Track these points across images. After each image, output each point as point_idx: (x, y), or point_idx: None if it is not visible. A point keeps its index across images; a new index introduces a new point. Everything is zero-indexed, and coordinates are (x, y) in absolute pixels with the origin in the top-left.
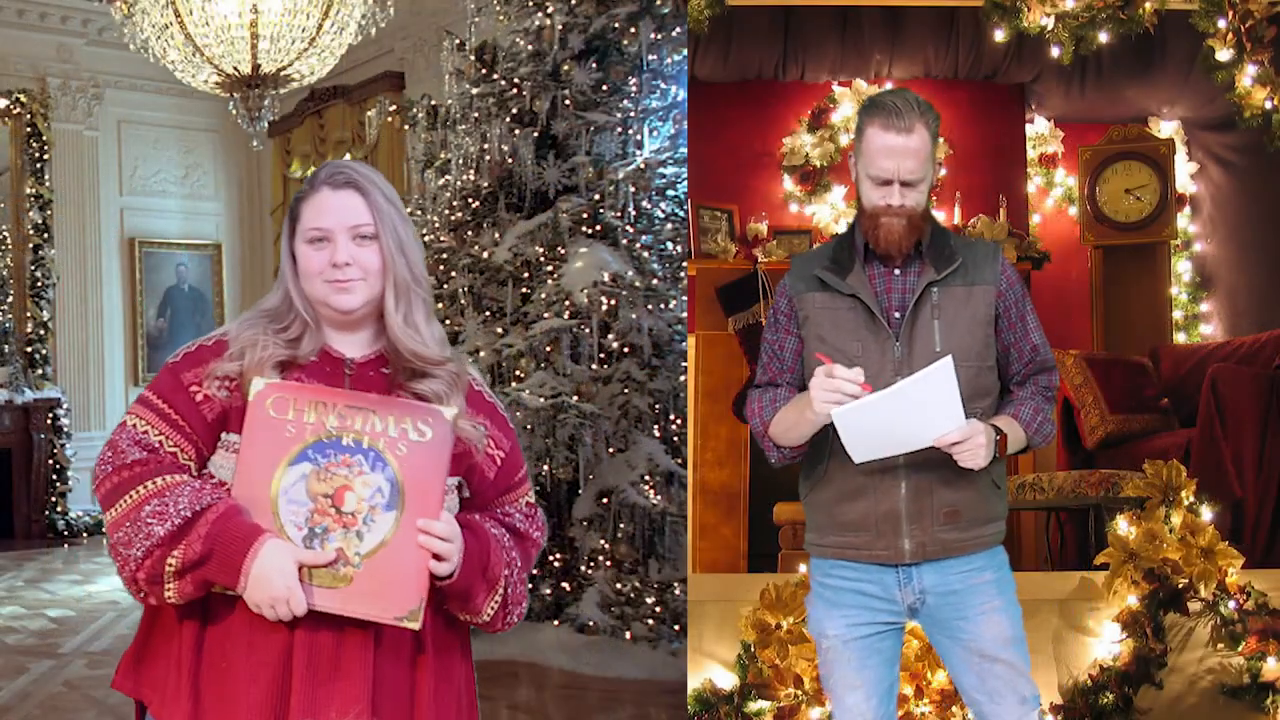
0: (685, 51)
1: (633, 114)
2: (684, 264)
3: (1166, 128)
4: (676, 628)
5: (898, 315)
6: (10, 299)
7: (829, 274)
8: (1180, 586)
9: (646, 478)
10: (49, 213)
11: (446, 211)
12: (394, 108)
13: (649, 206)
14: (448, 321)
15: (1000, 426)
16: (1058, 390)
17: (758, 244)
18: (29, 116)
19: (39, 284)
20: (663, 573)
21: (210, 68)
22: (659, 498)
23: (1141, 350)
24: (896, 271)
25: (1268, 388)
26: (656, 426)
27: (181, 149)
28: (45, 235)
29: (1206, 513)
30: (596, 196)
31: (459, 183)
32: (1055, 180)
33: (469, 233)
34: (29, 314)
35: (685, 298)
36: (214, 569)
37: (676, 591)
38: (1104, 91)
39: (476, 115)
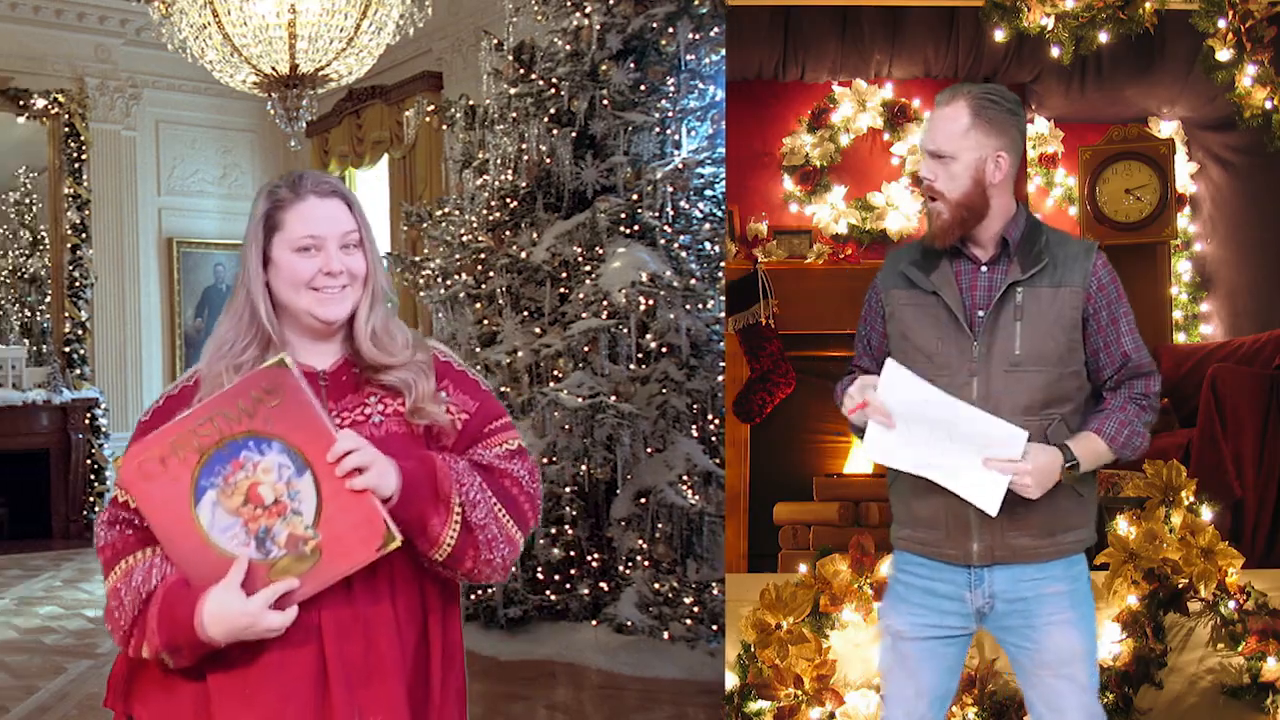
0: (723, 51)
1: (671, 114)
2: (721, 264)
3: (1166, 128)
4: (714, 628)
5: (980, 314)
6: (48, 299)
7: (914, 270)
8: (1180, 586)
9: (684, 478)
10: (87, 213)
11: (484, 211)
12: (432, 108)
13: (687, 207)
14: (485, 321)
15: (1073, 449)
16: (1159, 397)
17: (758, 244)
18: (67, 116)
19: (77, 284)
20: (700, 573)
21: (248, 68)
22: (697, 498)
23: None
24: (983, 269)
25: (1268, 388)
26: (694, 426)
27: (219, 149)
28: (83, 235)
29: (1206, 513)
30: (634, 196)
31: (497, 183)
32: (1055, 180)
33: (507, 233)
34: (67, 314)
35: (723, 298)
36: (186, 647)
37: (714, 591)
38: (1104, 91)
39: (514, 115)
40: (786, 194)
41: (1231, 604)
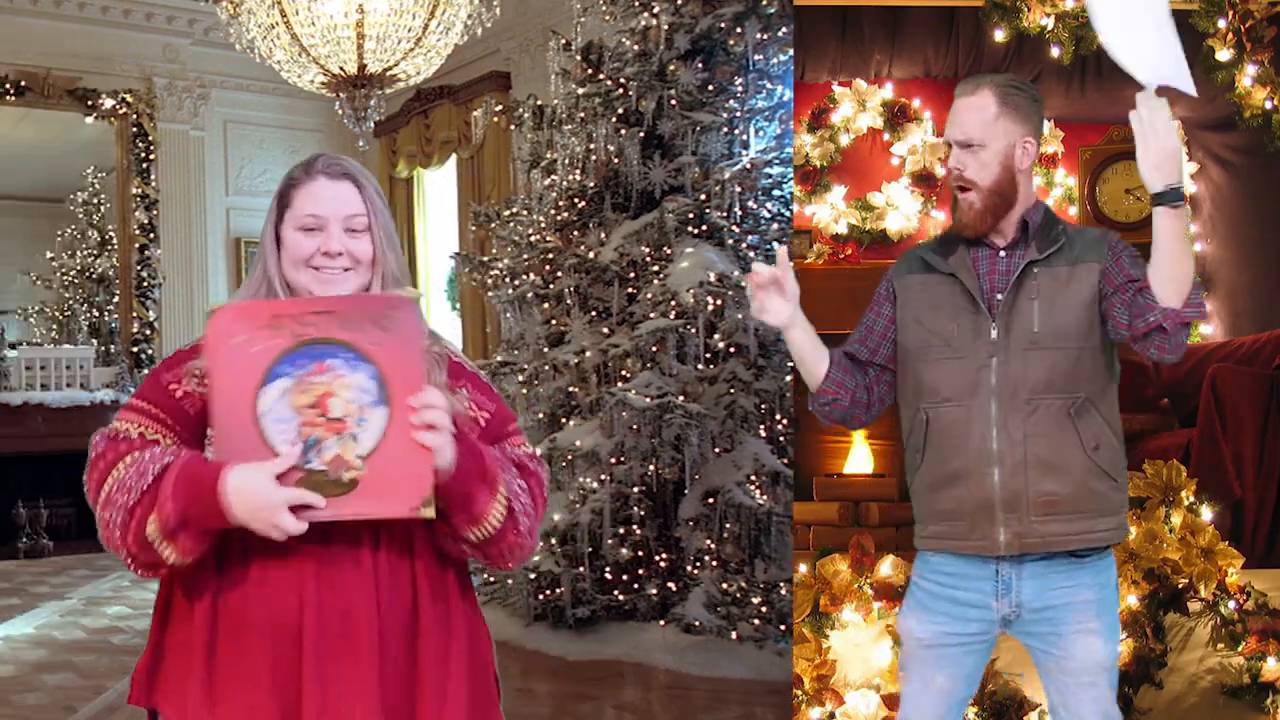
0: (791, 51)
1: (738, 114)
2: (790, 264)
3: None
4: (782, 627)
5: (999, 297)
6: (116, 299)
7: (932, 254)
8: (1180, 586)
9: (752, 477)
10: (155, 213)
11: (552, 211)
12: (500, 108)
13: (754, 206)
14: (553, 321)
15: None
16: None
17: None
18: (135, 117)
19: (145, 284)
20: (768, 573)
21: (316, 68)
22: (765, 497)
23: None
24: (1002, 253)
25: (1268, 388)
26: (762, 426)
27: (287, 149)
28: (151, 235)
29: (1206, 513)
30: (702, 196)
31: (565, 183)
32: (1055, 180)
33: (575, 233)
34: (135, 314)
35: None
36: (198, 517)
37: (782, 591)
38: (1104, 91)
39: (583, 115)
40: None
41: (1231, 604)
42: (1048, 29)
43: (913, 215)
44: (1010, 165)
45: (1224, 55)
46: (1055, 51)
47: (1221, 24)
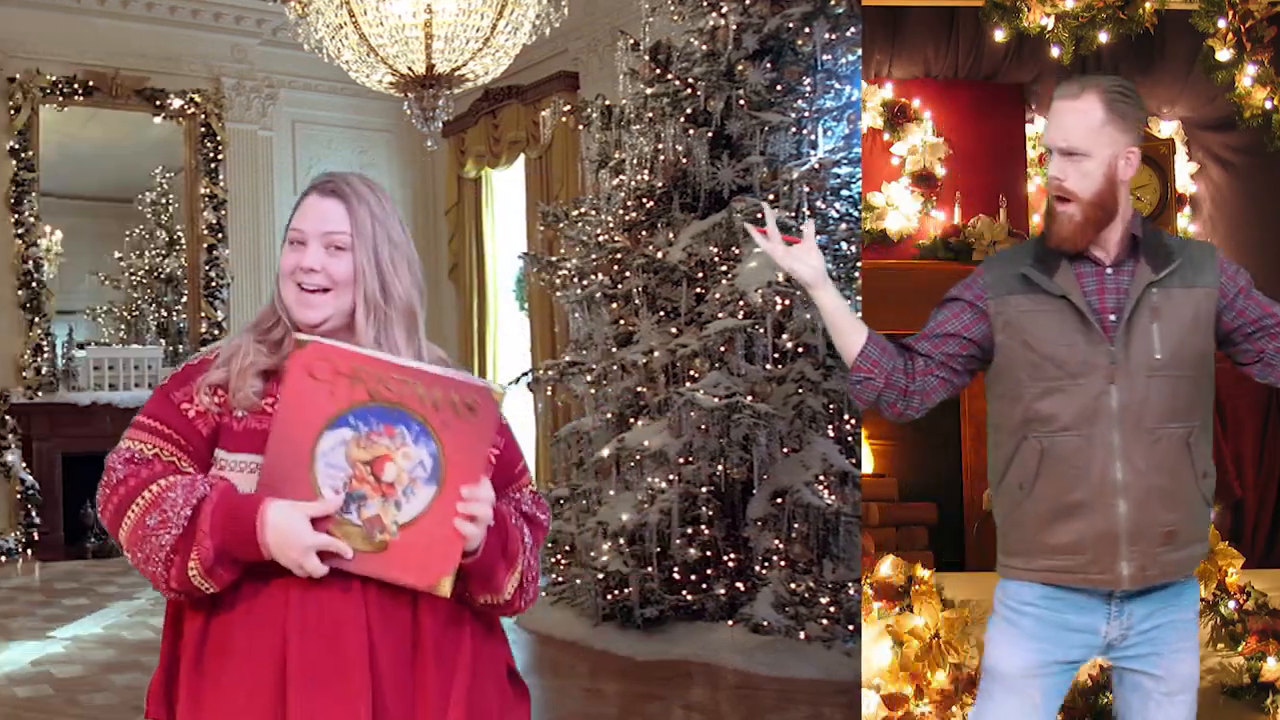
0: (859, 51)
1: (807, 114)
2: (858, 264)
3: (1166, 128)
4: (850, 628)
5: (1112, 318)
6: (184, 299)
7: (1035, 272)
8: None
9: (821, 478)
10: (223, 213)
11: (621, 211)
12: (568, 108)
13: (823, 206)
14: (621, 321)
15: None
16: None
17: None
18: (203, 117)
19: (213, 284)
20: (837, 573)
21: (384, 68)
22: (833, 498)
23: None
24: (1109, 270)
25: (1268, 388)
26: (831, 426)
27: (356, 149)
28: (219, 235)
29: None
30: (771, 196)
31: (633, 183)
32: None
33: (643, 233)
34: (203, 314)
35: (859, 297)
36: (235, 550)
37: (850, 591)
38: None
39: (651, 115)
40: None
41: (1231, 604)
42: (1048, 29)
43: (913, 215)
44: (1113, 176)
45: (1224, 55)
46: (1055, 51)
47: (1221, 24)
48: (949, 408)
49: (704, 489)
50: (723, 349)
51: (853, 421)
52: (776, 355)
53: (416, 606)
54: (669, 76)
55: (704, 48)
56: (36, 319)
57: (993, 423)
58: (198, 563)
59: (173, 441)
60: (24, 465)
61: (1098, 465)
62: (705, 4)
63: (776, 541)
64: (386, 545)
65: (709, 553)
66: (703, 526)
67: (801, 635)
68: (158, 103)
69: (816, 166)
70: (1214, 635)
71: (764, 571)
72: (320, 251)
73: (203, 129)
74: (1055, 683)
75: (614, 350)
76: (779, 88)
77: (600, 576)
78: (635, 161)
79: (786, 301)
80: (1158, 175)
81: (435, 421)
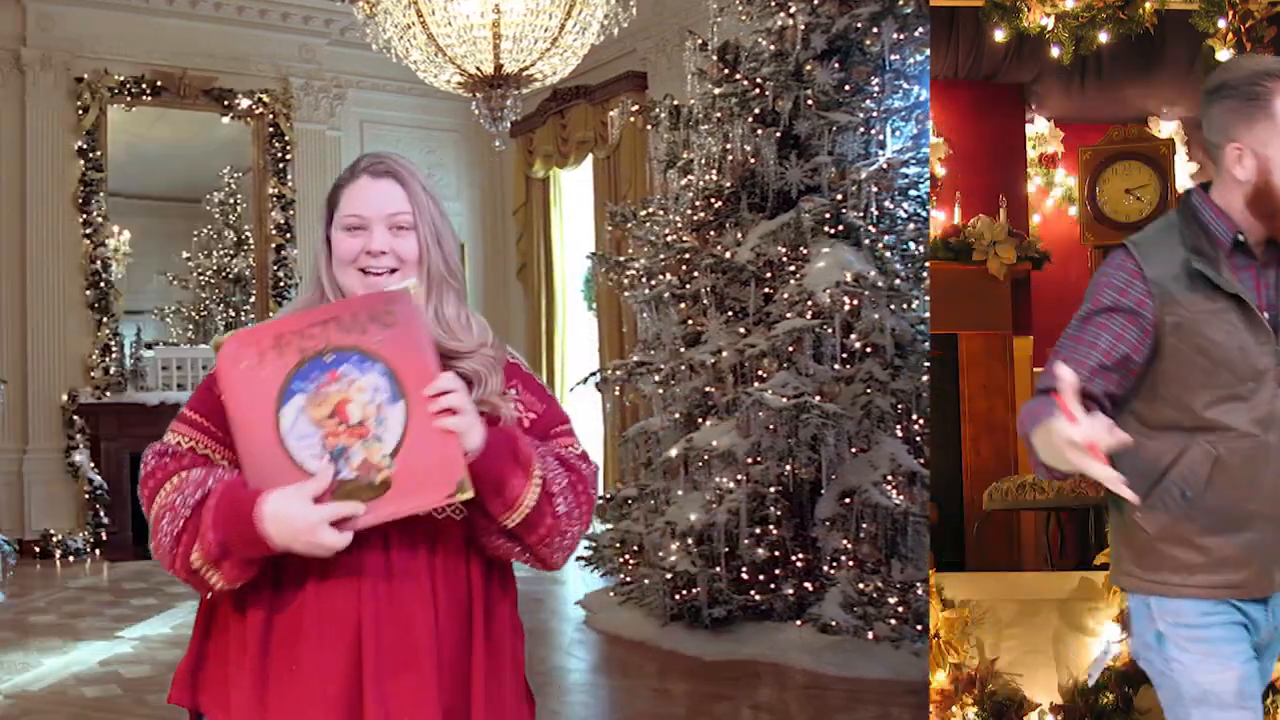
0: (927, 51)
1: (875, 114)
2: (926, 264)
3: (1166, 128)
4: (919, 627)
5: (1267, 315)
6: (253, 299)
7: (1204, 266)
8: None
9: (889, 477)
10: (291, 213)
11: (689, 211)
12: (636, 108)
13: (891, 206)
14: (690, 321)
15: None
16: None
17: None
18: (271, 117)
19: (281, 283)
20: (905, 572)
21: (452, 68)
22: (901, 497)
23: None
24: (1260, 266)
25: None
26: (899, 426)
27: (424, 149)
28: (287, 235)
29: None
30: (839, 196)
31: (701, 183)
32: (1055, 180)
33: (711, 233)
34: (271, 313)
35: (927, 298)
36: (239, 547)
37: (919, 591)
38: (1104, 91)
39: (719, 115)
40: None
41: None
42: (1048, 29)
43: None
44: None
45: (1224, 55)
46: (1055, 51)
47: (1221, 24)
48: (950, 408)
49: (772, 489)
50: (791, 349)
51: (921, 421)
52: (844, 355)
53: (471, 591)
54: (737, 76)
55: (772, 48)
56: (104, 319)
57: (1141, 421)
58: (200, 556)
59: (208, 434)
60: (92, 465)
61: (1271, 473)
62: (773, 4)
63: (844, 541)
64: (390, 481)
65: (777, 553)
66: (771, 526)
67: (869, 635)
68: (226, 103)
69: (884, 166)
70: None
71: (832, 571)
72: (386, 234)
73: (270, 129)
74: (1255, 688)
75: (682, 350)
76: (847, 88)
77: (668, 577)
78: (703, 161)
79: (855, 301)
80: (1158, 175)
81: (368, 344)
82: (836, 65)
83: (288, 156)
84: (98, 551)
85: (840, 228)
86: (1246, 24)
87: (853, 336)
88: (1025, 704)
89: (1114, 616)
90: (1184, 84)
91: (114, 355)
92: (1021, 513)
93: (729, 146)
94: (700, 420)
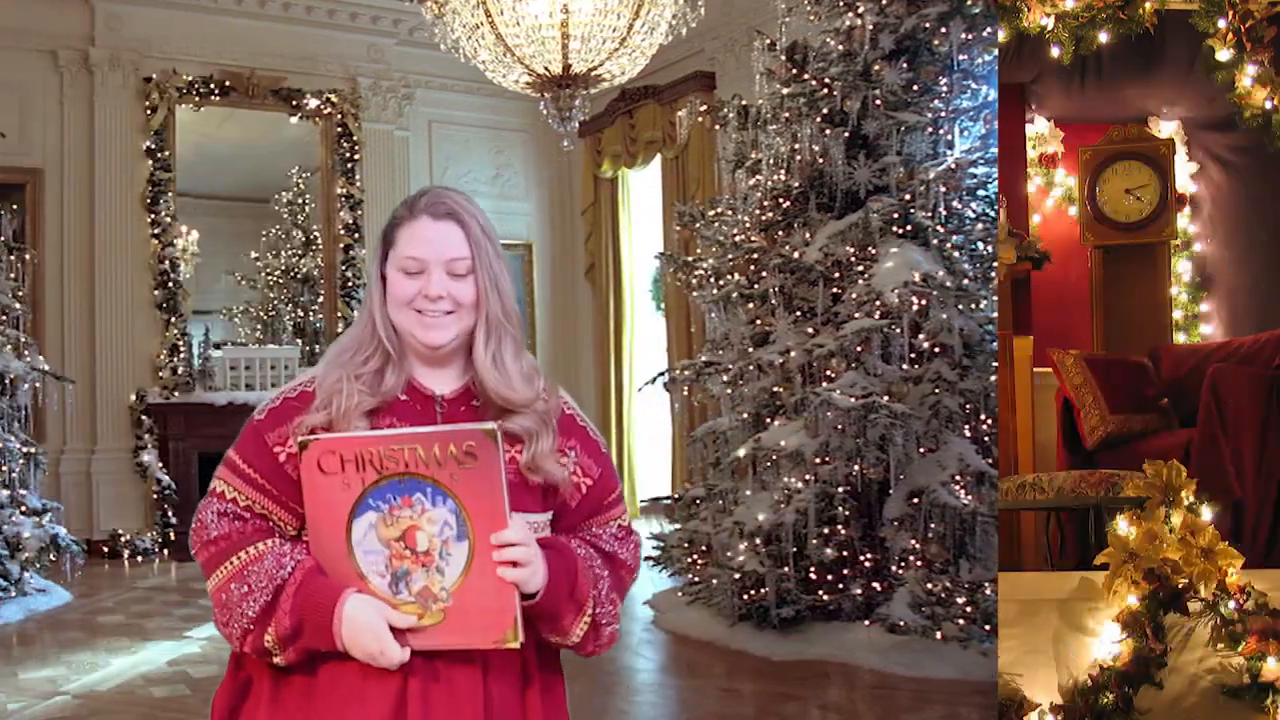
0: (995, 51)
1: (943, 114)
2: (994, 264)
3: (1166, 128)
4: (987, 627)
5: None
6: (321, 299)
7: None
8: (1180, 586)
9: (957, 478)
10: (359, 212)
11: (757, 211)
12: (704, 108)
13: (959, 206)
14: (758, 321)
15: None
16: None
17: None
18: (340, 117)
19: (349, 283)
20: (973, 573)
21: (521, 68)
22: (969, 498)
23: (1141, 350)
24: None
25: (1268, 388)
26: (967, 426)
27: (492, 149)
28: (356, 235)
29: (1206, 513)
30: (907, 196)
31: (770, 183)
32: (1055, 180)
33: (780, 233)
34: (339, 314)
35: (996, 298)
36: (309, 636)
37: (987, 591)
38: (1104, 91)
39: (787, 115)
40: None
41: (1231, 604)
42: (1048, 29)
43: None
44: None
45: (1224, 55)
46: (1055, 51)
47: (1221, 24)
48: None
49: (840, 489)
50: (859, 349)
51: (989, 421)
52: (913, 355)
53: (527, 675)
54: (805, 76)
55: (840, 48)
56: (173, 319)
57: None
58: (274, 638)
59: (264, 491)
60: (160, 465)
61: None
62: (841, 4)
63: (913, 541)
64: (445, 614)
65: (845, 553)
66: (839, 526)
67: (938, 635)
68: (294, 103)
69: (953, 166)
70: (1214, 635)
71: (900, 571)
72: (444, 278)
73: (339, 129)
74: None
75: (750, 350)
76: (915, 87)
77: (737, 577)
78: (771, 161)
79: (923, 301)
80: (1158, 175)
81: (444, 478)
82: (905, 65)
83: (356, 156)
84: (166, 551)
85: (908, 228)
86: (1246, 24)
87: (921, 336)
88: (1025, 704)
89: (1114, 616)
90: (1184, 84)
91: (182, 355)
92: (1021, 513)
93: (797, 146)
94: (768, 420)
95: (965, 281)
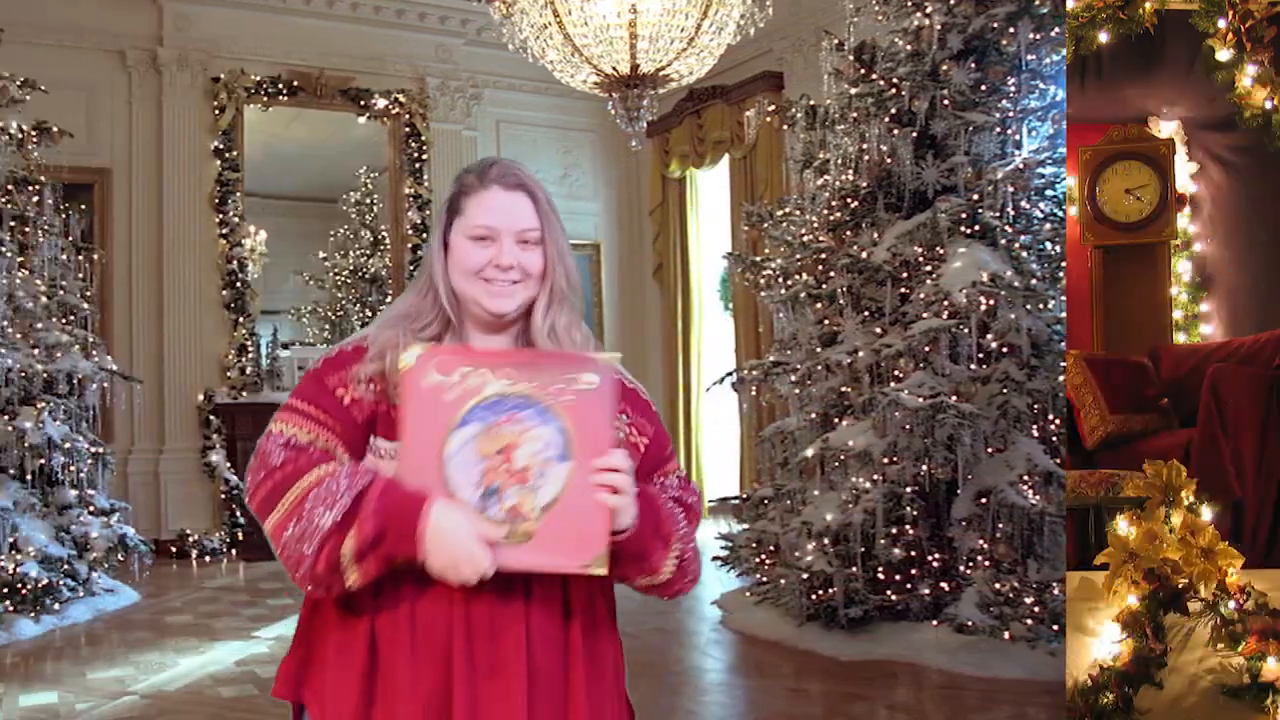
0: (1064, 51)
1: (1011, 114)
2: (1062, 264)
3: (1166, 128)
4: (1055, 627)
5: None
6: (389, 299)
7: None
8: (1180, 586)
9: (1025, 478)
10: (427, 212)
11: (825, 211)
12: (772, 108)
13: (1027, 206)
14: (826, 321)
15: None
16: None
17: None
18: (408, 116)
19: None
20: (1041, 572)
21: (589, 68)
22: (1037, 498)
23: (1141, 350)
24: None
25: (1268, 388)
26: (1035, 426)
27: (560, 149)
28: (424, 235)
29: (1206, 513)
30: (975, 196)
31: (838, 183)
32: None
33: (847, 233)
34: None
35: (1064, 298)
36: (391, 542)
37: (1055, 591)
38: (1104, 91)
39: (855, 115)
40: None
41: (1231, 604)
42: None
43: None
44: None
45: (1224, 55)
46: None
47: (1221, 24)
48: None
49: (908, 489)
50: (927, 349)
51: (1057, 421)
52: (981, 355)
53: (569, 604)
54: (873, 77)
55: (908, 48)
56: (241, 319)
57: None
58: (353, 544)
59: (327, 427)
60: (228, 465)
61: None
62: (910, 4)
63: (981, 541)
64: (532, 534)
65: (913, 553)
66: (907, 526)
67: (1006, 635)
68: (362, 103)
69: (1021, 166)
70: (1214, 635)
71: (968, 571)
72: (514, 248)
73: (407, 129)
74: None
75: (818, 350)
76: (983, 88)
77: (805, 577)
78: (840, 161)
79: (991, 301)
80: (1158, 175)
81: (555, 400)
82: (973, 65)
83: (424, 156)
84: (234, 551)
85: (976, 228)
86: (1246, 24)
87: (989, 336)
88: None
89: (1114, 616)
90: (1184, 84)
91: (250, 355)
92: None
93: (865, 146)
94: (836, 420)
95: (1033, 281)
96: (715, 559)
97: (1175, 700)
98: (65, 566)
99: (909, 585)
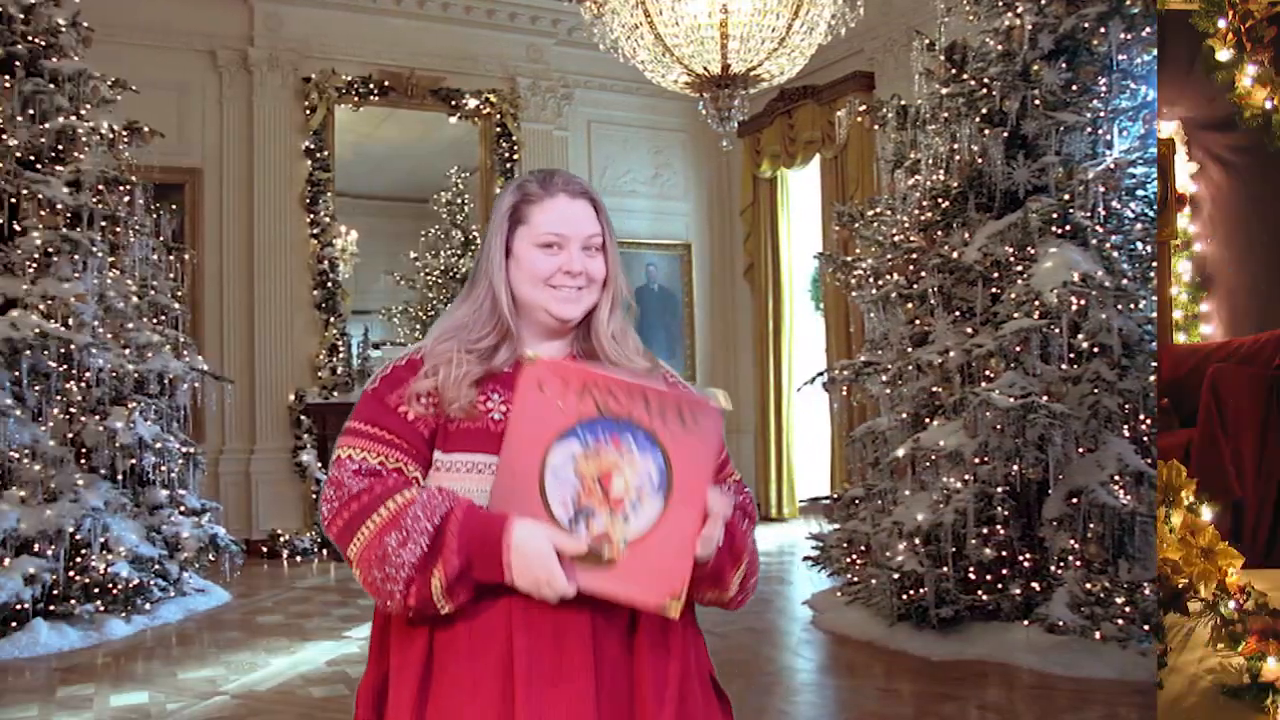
0: (1155, 51)
1: (1102, 114)
2: (1153, 264)
3: (1167, 128)
4: (1146, 628)
5: None
6: None
7: None
8: (1180, 586)
9: (1116, 478)
10: None
11: (916, 211)
12: (863, 108)
13: (1118, 206)
14: (917, 321)
15: None
16: None
17: None
18: (499, 116)
19: None
20: (1132, 573)
21: (680, 68)
22: (1129, 498)
23: None
24: None
25: (1268, 388)
26: (1126, 426)
27: (651, 149)
28: None
29: (1206, 513)
30: (1066, 196)
31: (929, 183)
32: None
33: (938, 233)
34: None
35: (1155, 298)
36: (478, 571)
37: (1146, 591)
38: None
39: (946, 115)
40: None
41: (1231, 604)
42: None
43: None
44: None
45: (1224, 55)
46: None
47: (1221, 24)
48: None
49: (999, 489)
50: (1018, 349)
51: (1148, 422)
52: (1072, 355)
53: (635, 613)
54: (964, 76)
55: (999, 48)
56: (332, 319)
57: None
58: (441, 580)
59: (395, 446)
60: (319, 465)
61: None
62: (1001, 4)
63: (1072, 541)
64: (614, 562)
65: (1004, 553)
66: (998, 526)
67: (1097, 635)
68: (453, 103)
69: (1112, 166)
70: (1214, 635)
71: (1059, 571)
72: (581, 255)
73: (498, 129)
74: None
75: (909, 350)
76: (1074, 88)
77: (896, 577)
78: (930, 161)
79: (1082, 301)
80: (1158, 175)
81: (661, 433)
82: (1064, 65)
83: (515, 156)
84: (324, 551)
85: (1067, 228)
86: (1246, 24)
87: (1080, 336)
88: None
89: None
90: (1184, 84)
91: (341, 355)
92: None
93: (956, 146)
94: (927, 420)
95: (1124, 281)
96: (806, 559)
97: (1175, 700)
98: (156, 566)
99: (1000, 585)
